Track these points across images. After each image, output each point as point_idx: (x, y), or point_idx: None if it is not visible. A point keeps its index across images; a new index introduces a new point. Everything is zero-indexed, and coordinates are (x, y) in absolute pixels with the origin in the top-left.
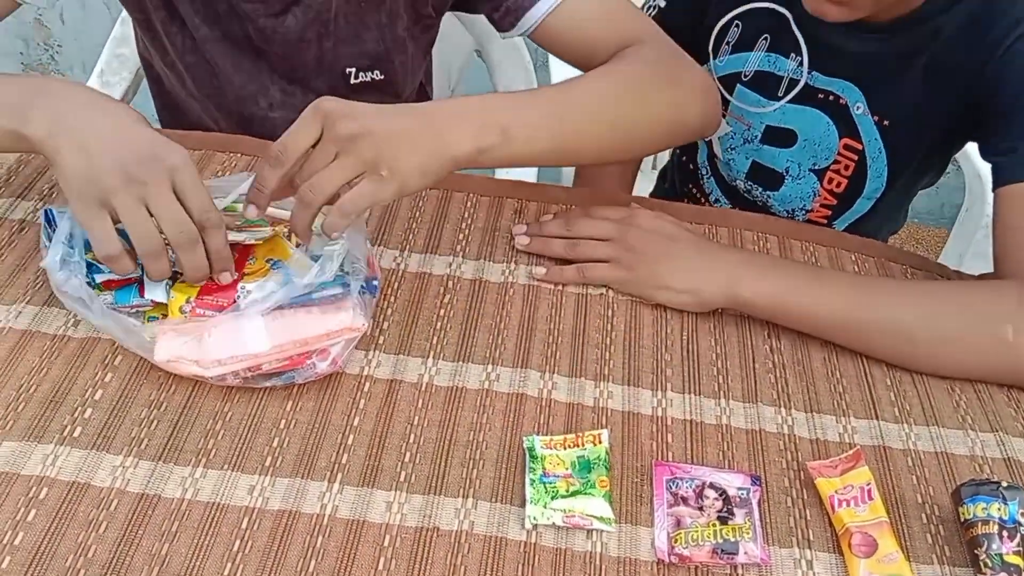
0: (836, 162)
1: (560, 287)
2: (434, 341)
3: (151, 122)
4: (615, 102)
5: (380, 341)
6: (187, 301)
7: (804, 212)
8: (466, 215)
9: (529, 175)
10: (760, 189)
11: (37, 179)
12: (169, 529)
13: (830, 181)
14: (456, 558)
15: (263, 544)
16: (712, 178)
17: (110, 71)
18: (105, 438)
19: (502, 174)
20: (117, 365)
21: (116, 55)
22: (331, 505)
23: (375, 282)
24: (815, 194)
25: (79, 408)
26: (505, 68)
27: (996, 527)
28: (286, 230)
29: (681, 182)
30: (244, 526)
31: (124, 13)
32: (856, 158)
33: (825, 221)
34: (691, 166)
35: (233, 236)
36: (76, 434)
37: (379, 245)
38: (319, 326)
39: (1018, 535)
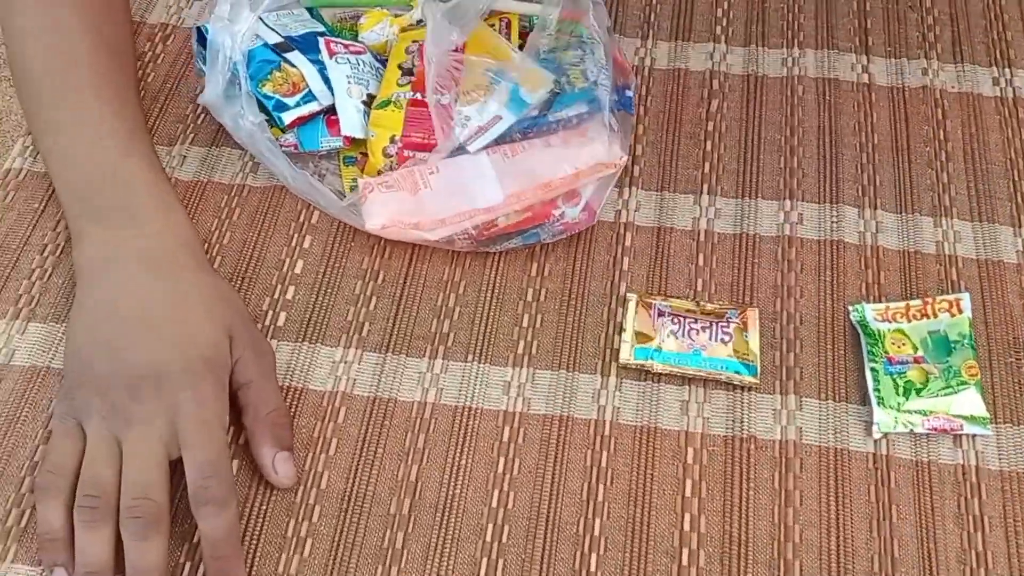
0: None
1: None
2: (706, 168)
3: None
4: None
5: (635, 173)
6: (391, 140)
7: None
8: None
9: None
10: None
11: None
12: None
13: None
14: (787, 480)
15: (531, 463)
16: None
17: None
18: (317, 325)
19: None
20: (316, 224)
21: None
22: (610, 407)
23: (629, 92)
24: None
25: (279, 285)
26: None
27: None
28: (501, 23)
29: None
30: (506, 437)
31: None
32: None
33: None
34: None
35: None
36: (280, 322)
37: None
38: (564, 164)
39: None
